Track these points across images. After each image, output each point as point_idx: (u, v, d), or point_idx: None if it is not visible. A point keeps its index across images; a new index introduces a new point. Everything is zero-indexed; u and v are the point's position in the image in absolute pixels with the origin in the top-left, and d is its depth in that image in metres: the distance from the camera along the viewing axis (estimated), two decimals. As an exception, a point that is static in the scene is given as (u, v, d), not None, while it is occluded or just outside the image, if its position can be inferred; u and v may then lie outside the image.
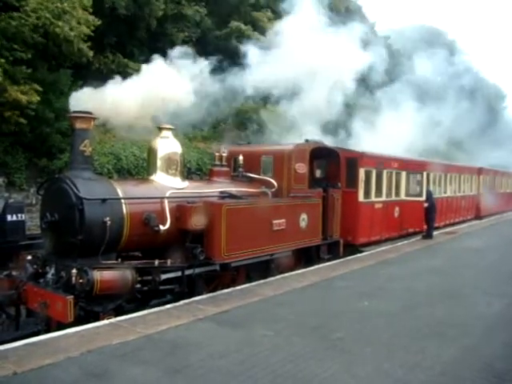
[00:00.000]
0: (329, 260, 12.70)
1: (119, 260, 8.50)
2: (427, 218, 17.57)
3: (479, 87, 56.76)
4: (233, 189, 10.60)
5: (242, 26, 26.39)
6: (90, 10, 16.53)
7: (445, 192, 22.21)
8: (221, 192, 10.34)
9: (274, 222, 10.63)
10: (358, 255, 13.85)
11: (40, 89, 15.03)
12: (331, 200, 12.81)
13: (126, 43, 21.64)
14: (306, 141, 12.35)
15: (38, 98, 14.81)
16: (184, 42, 22.82)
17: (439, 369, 5.85)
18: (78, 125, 8.45)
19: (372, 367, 5.84)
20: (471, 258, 14.05)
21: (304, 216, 11.53)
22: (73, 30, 15.21)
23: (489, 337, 7.11)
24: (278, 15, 29.60)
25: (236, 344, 6.47)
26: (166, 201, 9.11)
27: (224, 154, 11.37)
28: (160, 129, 9.98)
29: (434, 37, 58.08)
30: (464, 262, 13.25)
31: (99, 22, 16.72)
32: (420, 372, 5.73)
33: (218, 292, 9.20)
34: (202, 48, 24.60)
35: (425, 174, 18.49)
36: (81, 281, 7.71)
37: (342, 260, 12.94)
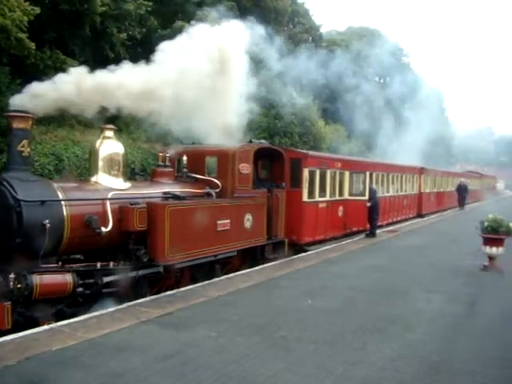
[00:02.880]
0: (274, 260, 12.79)
1: (60, 263, 8.31)
2: (370, 216, 17.93)
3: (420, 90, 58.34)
4: (176, 189, 10.54)
5: (187, 25, 26.24)
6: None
7: (387, 191, 22.73)
8: (164, 193, 10.26)
9: (219, 222, 10.64)
10: (303, 254, 14.01)
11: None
12: (276, 200, 12.92)
13: (67, 41, 21.09)
14: (250, 141, 12.40)
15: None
16: (129, 41, 22.55)
17: (380, 364, 6.00)
18: (16, 124, 8.21)
19: (315, 365, 5.93)
20: (413, 255, 14.42)
21: (249, 216, 11.58)
22: (6, 18, 14.42)
23: (428, 332, 7.33)
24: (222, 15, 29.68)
25: (179, 346, 6.44)
26: (107, 202, 8.97)
27: (167, 155, 11.29)
28: (102, 129, 9.83)
29: (377, 39, 59.22)
30: (406, 260, 13.61)
31: (38, 11, 15.95)
32: (362, 368, 5.86)
33: (162, 294, 9.13)
34: (147, 47, 24.34)
35: (368, 173, 18.85)
36: (19, 286, 7.50)
37: (286, 259, 13.06)
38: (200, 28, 11.86)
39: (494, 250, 11.59)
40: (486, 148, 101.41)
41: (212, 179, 11.35)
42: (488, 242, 11.63)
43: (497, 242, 11.53)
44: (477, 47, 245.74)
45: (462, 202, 33.76)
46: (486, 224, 11.60)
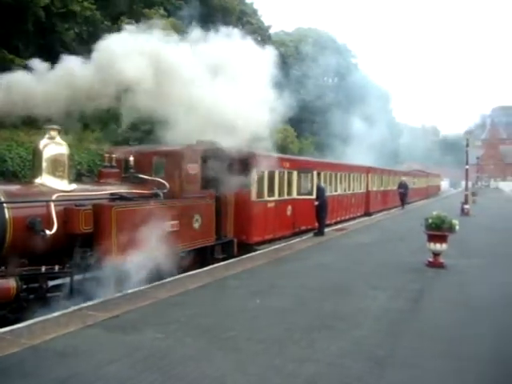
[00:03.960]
0: (223, 260, 12.79)
1: (2, 268, 8.08)
2: (318, 215, 18.13)
3: (369, 90, 59.42)
4: (123, 190, 10.42)
5: (133, 23, 25.94)
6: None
7: (335, 190, 23.06)
8: (111, 194, 10.12)
9: (167, 223, 10.56)
10: (252, 254, 14.05)
11: None
12: (224, 200, 12.92)
13: (12, 36, 20.48)
14: (198, 141, 12.35)
15: None
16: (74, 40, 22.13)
17: (328, 361, 6.08)
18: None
19: (264, 364, 5.97)
20: (360, 253, 14.67)
21: (197, 217, 11.54)
22: None
23: (374, 328, 7.48)
24: (170, 13, 29.47)
25: (126, 349, 6.36)
26: (52, 204, 8.78)
27: (114, 156, 11.13)
28: (46, 129, 9.60)
29: (326, 41, 59.98)
30: (354, 258, 13.84)
31: None
32: (310, 365, 5.93)
33: (109, 296, 8.98)
34: (94, 43, 23.92)
35: (315, 173, 19.06)
36: (-42, 291, 7.27)
37: (235, 259, 13.08)
38: None
39: (437, 247, 11.92)
40: (432, 147, 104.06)
41: (159, 180, 11.26)
42: (432, 238, 11.94)
43: (440, 239, 11.85)
44: (422, 49, 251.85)
45: (403, 201, 33.99)
46: (430, 221, 11.91)
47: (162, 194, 11.00)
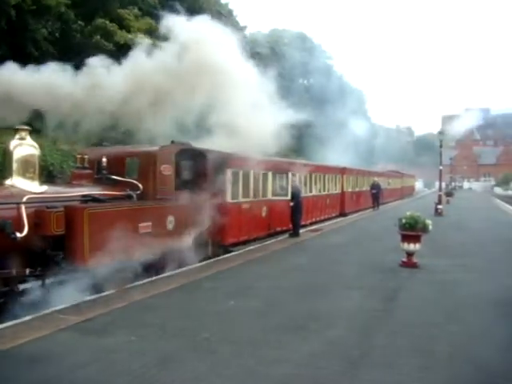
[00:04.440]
0: (198, 261, 12.74)
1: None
2: (293, 216, 18.19)
3: (344, 91, 59.88)
4: (96, 192, 10.33)
5: (107, 23, 25.79)
6: None
7: (310, 191, 23.16)
8: (83, 196, 10.03)
9: (140, 225, 10.51)
10: (227, 255, 14.04)
11: None
12: (198, 201, 12.86)
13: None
14: (172, 142, 12.31)
15: None
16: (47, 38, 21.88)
17: (301, 361, 6.10)
18: None
19: (237, 365, 5.97)
20: (335, 253, 14.75)
21: (171, 218, 11.50)
22: None
23: (348, 327, 7.52)
24: (145, 13, 29.31)
25: (99, 352, 6.31)
26: (22, 206, 8.66)
27: (86, 157, 11.04)
28: (16, 130, 9.47)
29: (302, 41, 60.20)
30: (328, 258, 13.91)
31: None
32: (283, 366, 5.94)
33: (82, 299, 8.89)
34: (67, 43, 23.70)
35: (290, 174, 19.13)
36: None
37: (210, 261, 13.06)
38: None
39: (411, 246, 12.04)
40: (407, 148, 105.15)
41: (133, 181, 11.18)
42: (406, 238, 12.06)
43: (414, 239, 11.98)
44: (396, 51, 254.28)
45: (376, 202, 33.37)
46: (403, 221, 12.03)
47: (135, 196, 10.93)
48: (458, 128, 76.15)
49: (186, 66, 12.18)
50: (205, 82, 12.42)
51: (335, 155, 38.27)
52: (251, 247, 15.60)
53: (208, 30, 13.17)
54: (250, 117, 13.48)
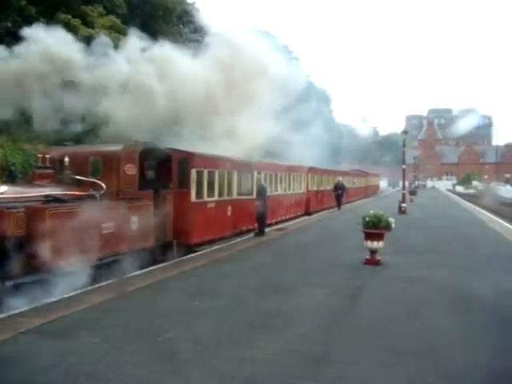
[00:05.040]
0: (162, 261, 12.66)
1: None
2: (259, 215, 18.21)
3: (310, 91, 60.02)
4: (58, 192, 10.18)
5: (70, 19, 25.36)
6: None
7: (276, 190, 23.22)
8: (45, 196, 9.87)
9: (104, 225, 10.39)
10: (192, 255, 13.96)
11: None
12: (163, 201, 12.80)
13: None
14: (135, 142, 12.21)
15: None
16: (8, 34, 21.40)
17: (266, 360, 6.12)
18: None
19: (201, 365, 5.94)
20: (300, 252, 14.80)
21: (135, 218, 11.40)
22: None
23: (312, 325, 7.57)
24: (109, 10, 28.92)
25: (60, 355, 6.19)
26: (-19, 207, 8.49)
27: (48, 156, 10.86)
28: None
29: (269, 42, 60.17)
30: (293, 257, 13.97)
31: None
32: (248, 365, 5.94)
33: (42, 302, 8.72)
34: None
35: (256, 173, 19.15)
36: None
37: (175, 261, 12.96)
38: None
39: (374, 244, 12.17)
40: (371, 147, 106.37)
41: (96, 181, 11.05)
42: (369, 236, 12.17)
43: (377, 237, 12.11)
44: (361, 51, 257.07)
45: (339, 202, 32.64)
46: (367, 220, 12.16)
47: (98, 196, 10.80)
48: None
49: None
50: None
51: (301, 155, 38.40)
52: (216, 247, 15.56)
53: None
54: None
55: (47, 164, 10.87)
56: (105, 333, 7.06)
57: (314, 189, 30.82)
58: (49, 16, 24.97)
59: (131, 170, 11.49)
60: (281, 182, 24.23)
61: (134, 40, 13.47)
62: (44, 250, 8.90)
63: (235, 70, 13.80)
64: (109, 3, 29.20)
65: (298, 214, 27.23)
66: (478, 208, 38.17)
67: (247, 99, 13.93)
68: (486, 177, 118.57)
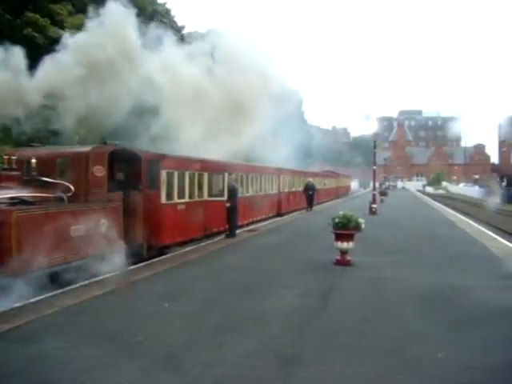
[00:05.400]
0: (132, 264, 12.55)
1: None
2: (230, 217, 18.19)
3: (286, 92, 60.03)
4: (25, 194, 10.02)
5: (39, 17, 25.02)
6: None
7: (247, 191, 23.23)
8: (11, 198, 9.71)
9: (72, 228, 10.26)
10: (163, 257, 13.89)
11: None
12: (133, 203, 12.71)
13: None
14: (105, 143, 12.09)
15: None
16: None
17: (236, 362, 6.11)
18: None
19: (171, 368, 5.92)
20: (271, 253, 14.84)
21: (104, 221, 11.28)
22: None
23: (282, 326, 7.58)
24: (78, 10, 28.56)
25: (27, 361, 6.10)
26: None
27: (14, 158, 10.69)
28: None
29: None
30: (264, 258, 13.98)
31: None
32: (218, 367, 5.93)
33: (9, 307, 8.57)
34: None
35: (227, 174, 19.14)
36: None
37: (145, 263, 12.88)
38: None
39: (344, 245, 12.24)
40: (343, 149, 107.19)
41: (64, 183, 10.91)
42: (339, 237, 12.25)
43: (347, 237, 12.19)
44: (331, 53, 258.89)
45: (310, 203, 32.50)
46: (336, 220, 12.24)
47: (66, 198, 10.67)
48: None
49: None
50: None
51: (272, 155, 38.49)
52: (187, 248, 15.50)
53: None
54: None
55: (13, 166, 10.69)
56: (74, 337, 6.97)
57: (286, 190, 30.91)
58: (15, 14, 24.63)
59: (100, 171, 11.38)
60: (252, 183, 24.25)
61: None
62: (9, 253, 8.76)
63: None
64: (77, 1, 28.87)
65: (270, 215, 27.28)
66: (447, 208, 38.78)
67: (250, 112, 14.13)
68: (455, 177, 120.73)
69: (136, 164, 13.42)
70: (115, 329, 7.39)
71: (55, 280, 10.13)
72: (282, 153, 42.27)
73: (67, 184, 10.89)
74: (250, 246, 16.44)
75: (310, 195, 32.32)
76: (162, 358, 6.23)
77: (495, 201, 46.64)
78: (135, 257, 12.88)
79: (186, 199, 15.92)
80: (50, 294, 9.49)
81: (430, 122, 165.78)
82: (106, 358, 6.20)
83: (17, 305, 8.70)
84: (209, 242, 17.21)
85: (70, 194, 10.78)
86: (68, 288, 9.98)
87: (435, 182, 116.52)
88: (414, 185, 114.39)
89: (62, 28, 24.98)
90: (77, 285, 10.28)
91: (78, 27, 25.17)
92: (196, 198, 16.69)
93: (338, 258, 12.48)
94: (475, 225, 24.58)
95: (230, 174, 19.34)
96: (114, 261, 12.01)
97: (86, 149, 11.31)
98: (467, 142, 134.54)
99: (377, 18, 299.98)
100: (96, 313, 8.30)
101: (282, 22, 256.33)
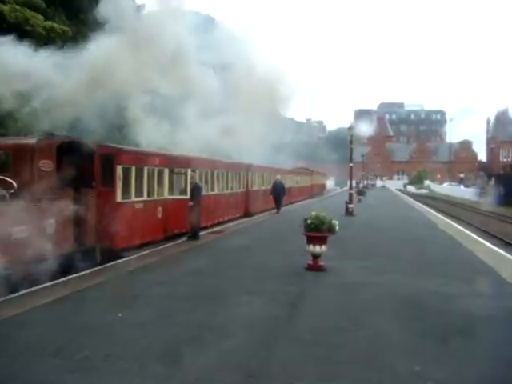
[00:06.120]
0: (83, 269, 12.36)
1: None
2: (192, 217, 18.04)
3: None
4: (-40, 191, 9.79)
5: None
6: None
7: (212, 189, 23.12)
8: None
9: (14, 229, 10.04)
10: (117, 261, 13.71)
11: None
12: (85, 202, 12.52)
13: None
14: (52, 134, 11.87)
15: None
16: None
17: (195, 375, 6.06)
18: None
19: (122, 384, 5.82)
20: (237, 256, 14.85)
21: (51, 221, 11.09)
22: None
23: (247, 337, 7.54)
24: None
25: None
26: None
27: None
28: None
29: (209, 25, 59.92)
30: (230, 262, 13.97)
31: None
32: (173, 382, 5.87)
33: None
34: None
35: (190, 170, 19.00)
36: None
37: (98, 268, 12.70)
38: None
39: (317, 248, 12.19)
40: (318, 144, 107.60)
41: (5, 178, 10.68)
42: (311, 240, 12.19)
43: (320, 240, 12.14)
44: (307, 42, 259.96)
45: (278, 204, 31.13)
46: (308, 222, 12.19)
47: (7, 195, 10.44)
48: None
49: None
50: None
51: (243, 149, 38.42)
52: (145, 252, 15.32)
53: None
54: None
55: None
56: (14, 351, 6.82)
57: (255, 188, 30.86)
58: None
59: (47, 165, 11.18)
60: (217, 180, 24.14)
61: None
62: None
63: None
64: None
65: (237, 215, 27.22)
66: (429, 209, 39.27)
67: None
68: (438, 176, 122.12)
69: (88, 158, 13.20)
70: (60, 342, 7.23)
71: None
72: (252, 148, 42.29)
73: (9, 180, 10.65)
74: (214, 249, 16.37)
75: (276, 196, 30.82)
76: (112, 373, 6.12)
77: (489, 202, 47.42)
78: (87, 261, 12.68)
79: (145, 197, 15.77)
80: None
81: (413, 116, 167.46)
82: (50, 376, 6.05)
83: None
84: (169, 244, 17.06)
85: (12, 191, 10.54)
86: (8, 296, 9.75)
87: (417, 180, 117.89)
88: (395, 183, 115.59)
89: (4, 4, 24.48)
90: (16, 294, 10.04)
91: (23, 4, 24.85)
92: (155, 197, 16.55)
93: (310, 262, 12.47)
94: (458, 227, 24.90)
95: (192, 171, 19.19)
96: (63, 265, 11.85)
97: (31, 141, 11.10)
98: (452, 137, 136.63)
99: (357, 8, 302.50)
100: (40, 324, 8.10)
101: (255, 8, 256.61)
